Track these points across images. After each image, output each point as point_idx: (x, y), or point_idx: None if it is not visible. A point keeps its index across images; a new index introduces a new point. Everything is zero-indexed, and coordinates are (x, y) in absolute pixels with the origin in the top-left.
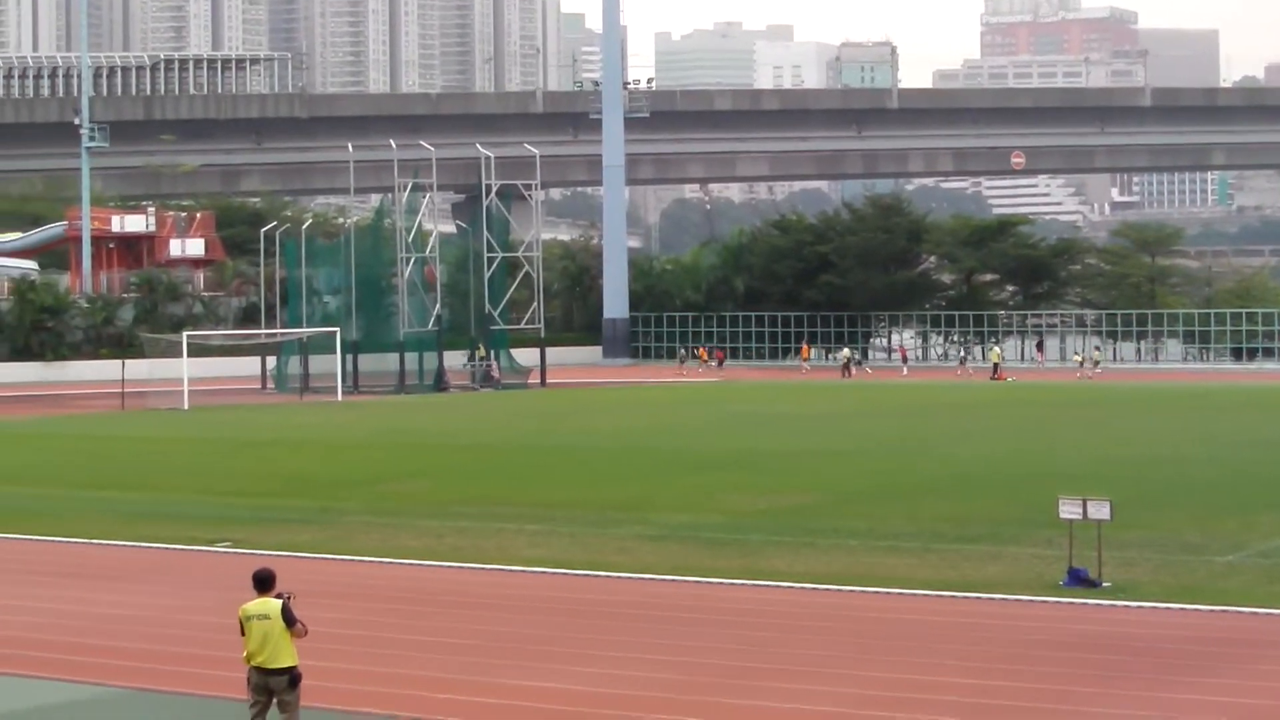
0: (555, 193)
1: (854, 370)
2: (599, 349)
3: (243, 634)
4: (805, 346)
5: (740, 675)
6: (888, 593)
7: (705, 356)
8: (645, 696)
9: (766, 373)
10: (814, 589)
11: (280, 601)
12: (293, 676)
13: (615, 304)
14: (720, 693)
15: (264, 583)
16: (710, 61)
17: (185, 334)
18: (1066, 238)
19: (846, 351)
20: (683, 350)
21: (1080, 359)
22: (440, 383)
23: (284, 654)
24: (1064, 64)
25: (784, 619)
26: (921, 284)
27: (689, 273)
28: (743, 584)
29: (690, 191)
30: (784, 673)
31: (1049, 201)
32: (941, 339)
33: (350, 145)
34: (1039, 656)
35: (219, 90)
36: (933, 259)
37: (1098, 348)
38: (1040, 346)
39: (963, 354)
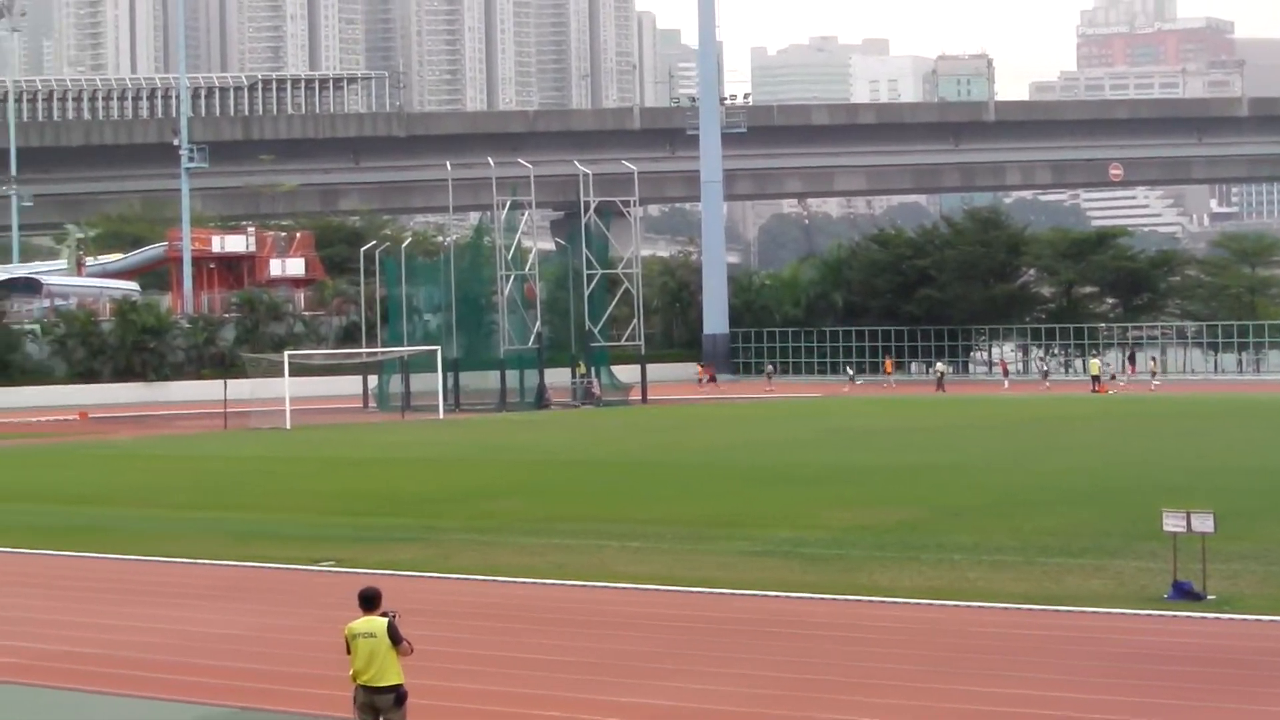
0: (654, 209)
1: (946, 385)
2: (699, 365)
3: (348, 652)
4: (889, 361)
5: (842, 690)
6: (992, 607)
7: (891, 369)
8: (746, 712)
9: (816, 387)
10: (917, 604)
11: (386, 620)
12: (399, 695)
13: (715, 320)
14: (821, 708)
15: (370, 601)
16: (806, 76)
17: (286, 353)
18: (1165, 249)
19: (941, 365)
20: (770, 366)
21: (1152, 370)
22: (541, 400)
23: (390, 672)
24: (1161, 75)
25: (887, 634)
26: (1021, 297)
27: (788, 288)
28: (845, 599)
29: (788, 206)
30: (886, 688)
31: (1148, 213)
32: (1042, 352)
33: (448, 163)
34: (1143, 670)
35: (317, 110)
36: (1032, 272)
37: (1154, 358)
38: (1132, 359)
39: (1046, 368)
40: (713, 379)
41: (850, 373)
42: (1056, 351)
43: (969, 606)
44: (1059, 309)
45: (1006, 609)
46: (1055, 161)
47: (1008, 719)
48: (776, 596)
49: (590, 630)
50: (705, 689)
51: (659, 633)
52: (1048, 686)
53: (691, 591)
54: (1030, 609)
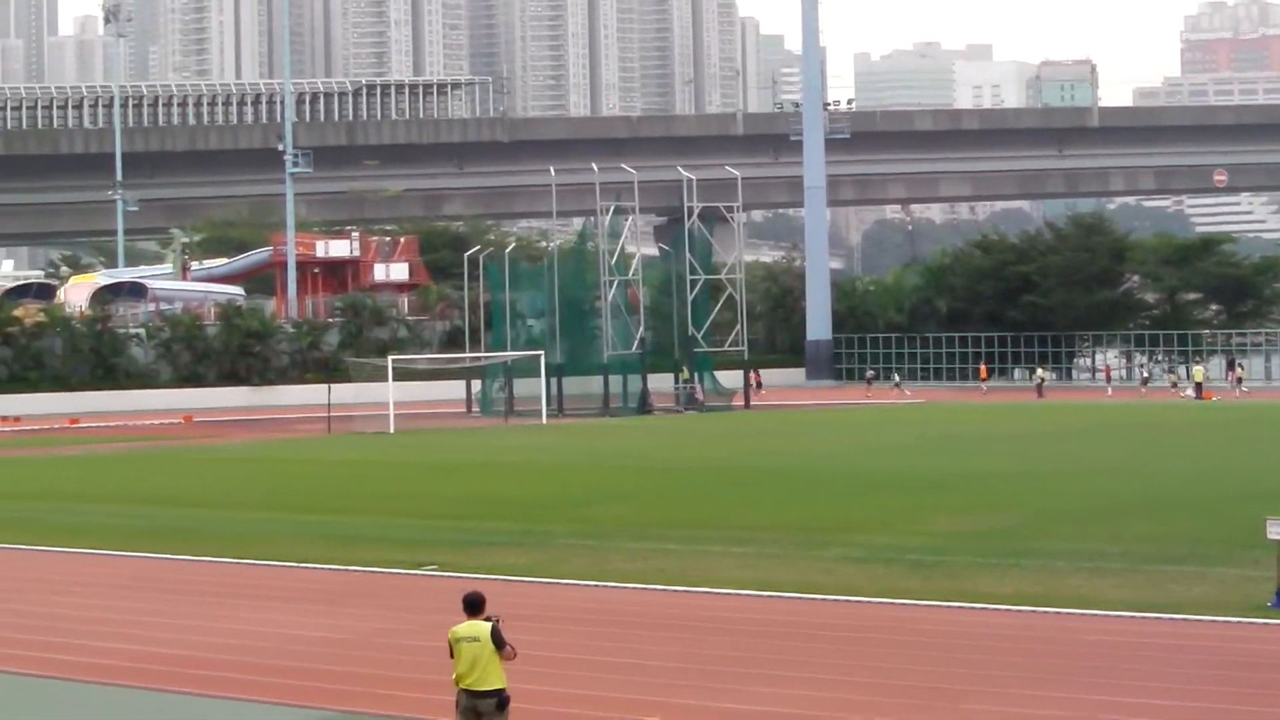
0: (757, 214)
1: (1045, 390)
2: (803, 370)
3: (452, 656)
4: (983, 367)
5: (943, 697)
6: (1092, 614)
7: (985, 375)
8: (845, 717)
9: (949, 394)
10: (1018, 611)
11: (490, 624)
12: (501, 699)
13: (818, 325)
14: (923, 714)
15: (474, 606)
16: (910, 81)
17: (390, 358)
18: (1270, 256)
19: (1042, 372)
20: (871, 372)
21: (1238, 378)
22: (644, 405)
23: (493, 676)
24: (1265, 80)
25: (988, 641)
26: (1124, 303)
27: (891, 293)
28: (948, 606)
29: (892, 212)
30: (987, 695)
31: (1252, 220)
32: (1145, 358)
33: (552, 169)
34: (1244, 678)
35: (421, 115)
36: (1135, 278)
37: (1240, 364)
38: (1232, 365)
39: (1146, 375)
40: (759, 385)
41: (869, 375)
42: (1160, 358)
43: (1070, 613)
44: (1162, 315)
45: (1108, 616)
46: (1159, 168)
47: None
48: (878, 602)
49: (693, 635)
50: (806, 695)
51: (761, 638)
52: (1151, 694)
53: (794, 597)
54: (1132, 616)
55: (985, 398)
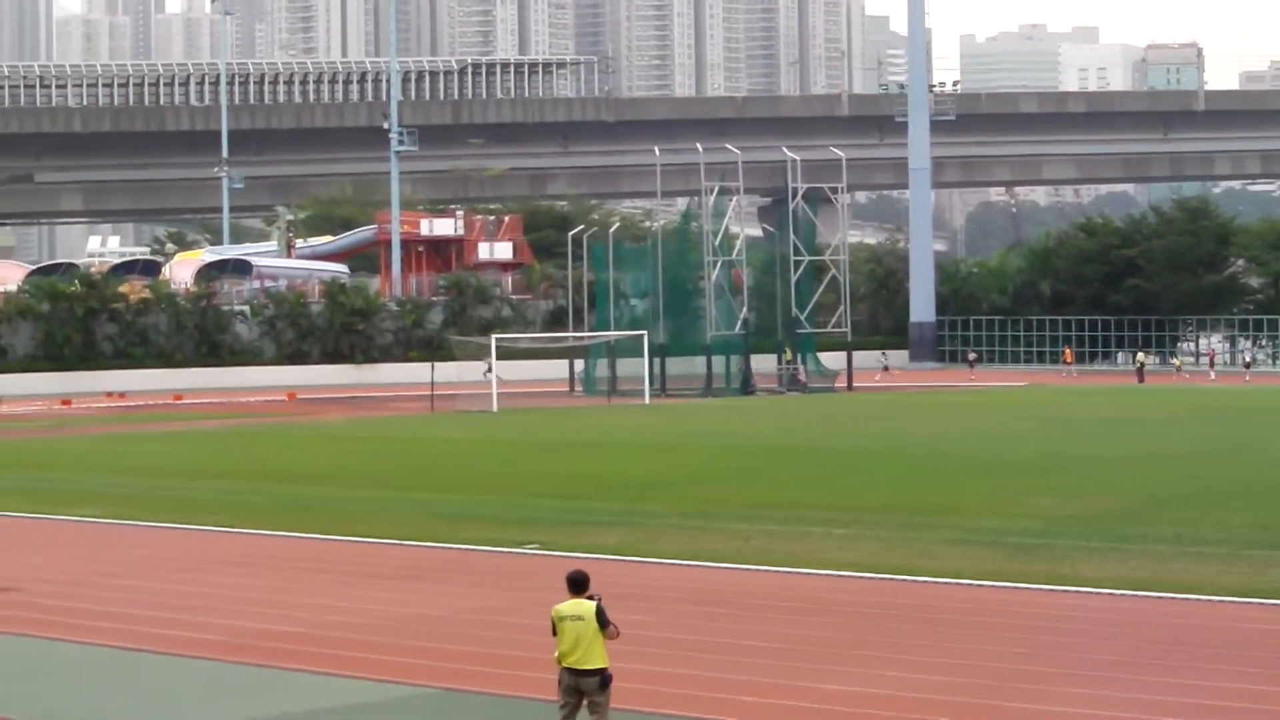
0: (861, 196)
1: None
2: (906, 352)
3: (554, 634)
4: (1067, 350)
5: (1044, 680)
6: (1195, 600)
7: (1070, 359)
8: (946, 701)
9: (1033, 376)
10: (1120, 595)
11: (594, 603)
12: (604, 678)
13: (922, 307)
14: (1023, 698)
15: (578, 584)
16: (1015, 64)
17: (494, 337)
18: None
19: (1142, 356)
20: (974, 354)
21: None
22: (747, 386)
23: (596, 655)
24: None
25: (1091, 625)
26: (1229, 288)
27: (995, 276)
28: (1049, 589)
29: (996, 194)
30: (1089, 679)
31: None
32: (1249, 343)
33: (656, 149)
34: None
35: (526, 94)
36: (1240, 262)
37: (1212, 349)
38: None
39: (1249, 360)
40: (885, 367)
41: (971, 357)
42: (1264, 343)
43: (1174, 599)
44: (1266, 300)
45: (1210, 601)
46: (1265, 151)
47: (1212, 714)
48: (980, 585)
49: (793, 616)
50: (905, 677)
51: (861, 619)
52: (1255, 680)
53: (894, 579)
54: (1236, 602)
55: (1078, 380)
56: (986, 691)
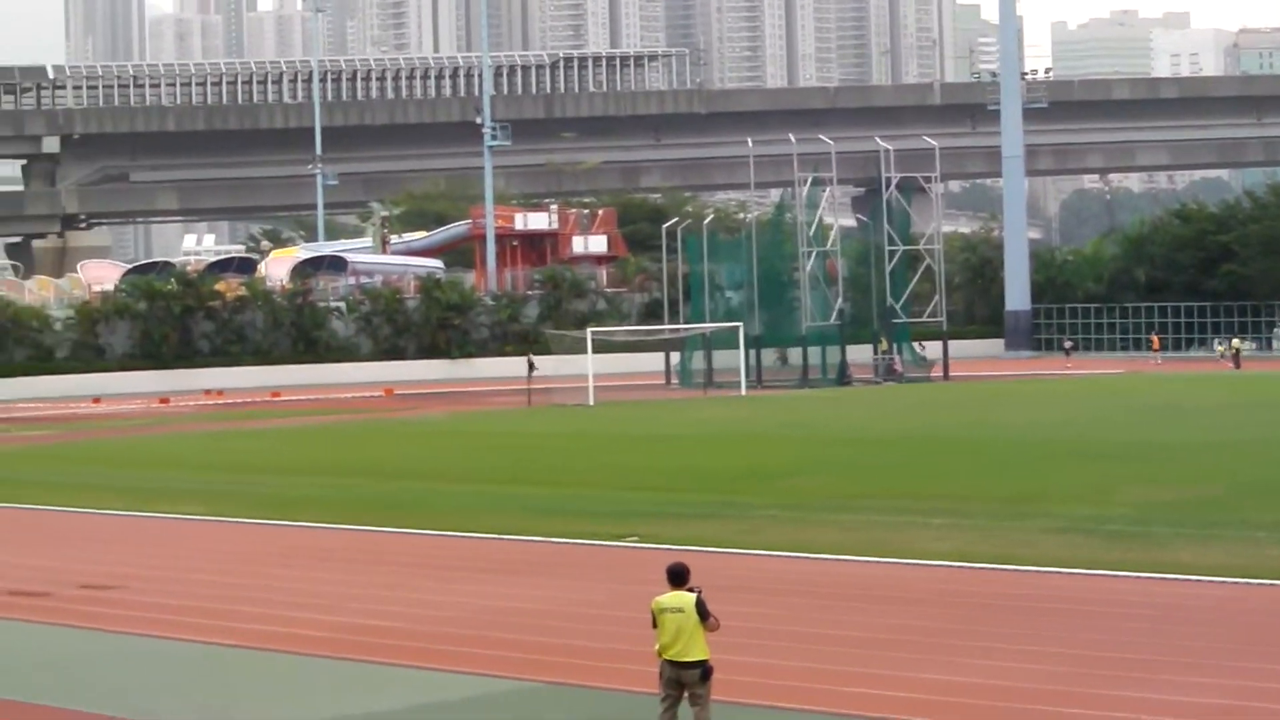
0: (955, 185)
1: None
2: (1001, 341)
3: (655, 627)
4: (1155, 337)
5: (1145, 668)
6: None
7: (1158, 345)
8: (1047, 690)
9: (1128, 364)
10: (1220, 582)
11: (694, 595)
12: (705, 670)
13: (1016, 296)
14: (1123, 686)
15: (678, 576)
16: (1107, 50)
17: (589, 330)
18: None
19: (1237, 341)
20: (1069, 342)
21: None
22: (843, 376)
23: (697, 647)
24: None
25: (1190, 612)
26: None
27: (1090, 263)
28: (1147, 577)
29: (1089, 182)
30: (1190, 666)
31: None
32: None
33: (749, 140)
34: None
35: (618, 88)
36: None
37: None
38: None
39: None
40: (1068, 351)
41: (1067, 345)
42: None
43: (1273, 585)
44: None
45: None
46: None
47: None
48: (1078, 574)
49: (892, 606)
50: (1005, 666)
51: (960, 609)
52: None
53: (993, 568)
54: None
55: (1167, 367)
56: (1087, 680)
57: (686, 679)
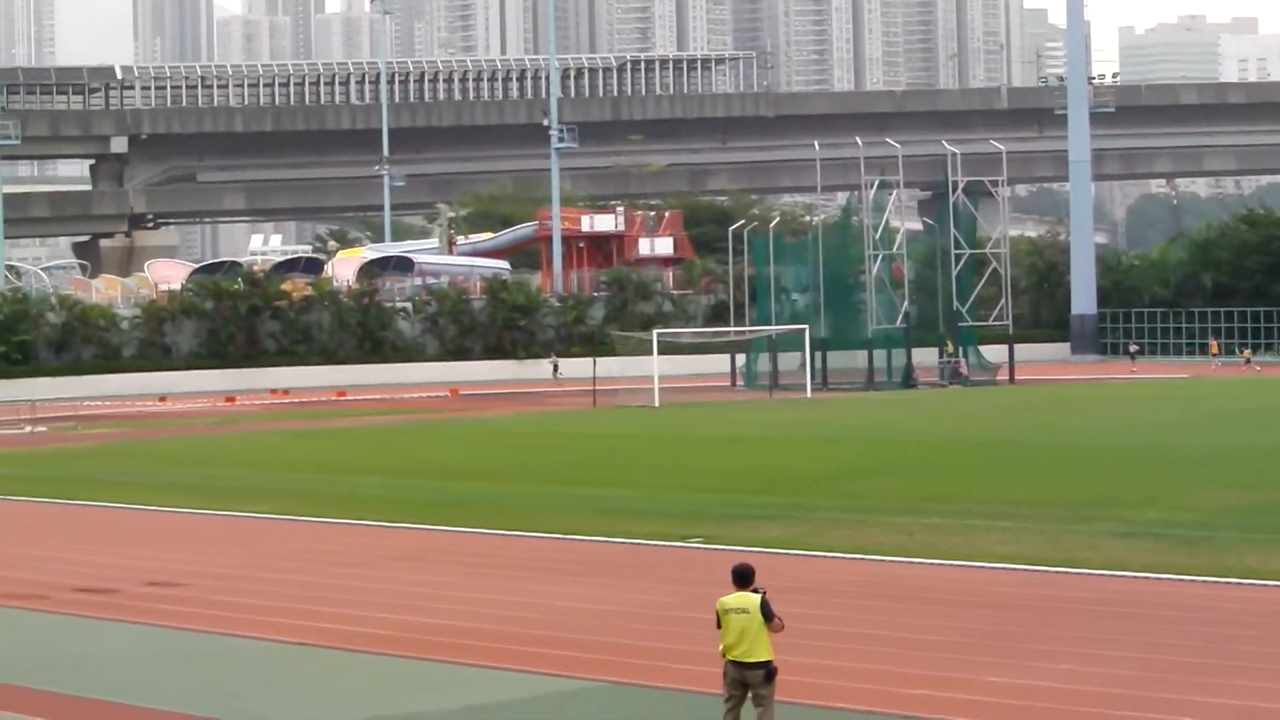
0: (1021, 189)
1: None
2: (1067, 345)
3: (719, 627)
4: (1214, 342)
5: (1212, 673)
6: None
7: (1216, 350)
8: (1113, 694)
9: (1195, 369)
10: None
11: (759, 596)
12: (769, 671)
13: (1083, 300)
14: (1190, 690)
15: (743, 577)
16: (1174, 55)
17: (655, 332)
18: None
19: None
20: (1134, 346)
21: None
22: (909, 379)
23: (761, 648)
24: None
25: (1258, 617)
26: None
27: (1156, 268)
28: (1214, 581)
29: (1157, 186)
30: (1257, 671)
31: None
32: None
33: (816, 143)
34: None
35: (685, 90)
36: None
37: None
38: None
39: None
40: (1134, 355)
41: (1132, 350)
42: None
43: None
44: None
45: None
46: None
47: None
48: (1144, 578)
49: (956, 609)
50: (1070, 669)
51: (1024, 612)
52: None
53: (1058, 572)
54: None
55: (1223, 372)
56: (1152, 684)
57: (751, 680)
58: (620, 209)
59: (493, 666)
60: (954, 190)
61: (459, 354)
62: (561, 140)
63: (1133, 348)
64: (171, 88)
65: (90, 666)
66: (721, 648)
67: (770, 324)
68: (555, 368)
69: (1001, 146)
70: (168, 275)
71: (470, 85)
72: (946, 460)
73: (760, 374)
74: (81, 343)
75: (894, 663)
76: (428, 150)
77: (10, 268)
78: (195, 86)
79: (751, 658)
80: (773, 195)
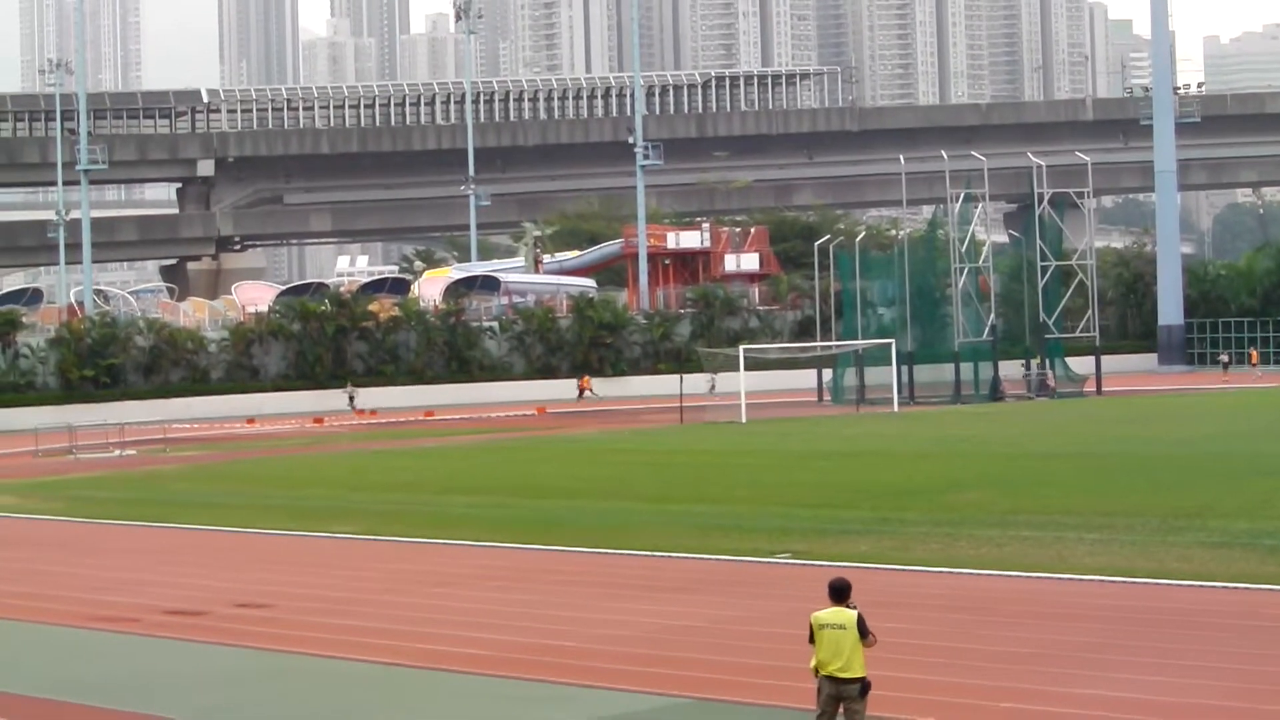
0: (1107, 200)
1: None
2: (1154, 356)
3: (812, 642)
4: (1254, 352)
5: None
6: None
7: (1256, 360)
8: (1205, 705)
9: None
10: None
11: (855, 612)
12: (864, 686)
13: (1170, 310)
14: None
15: (840, 593)
16: (1260, 64)
17: (742, 348)
18: None
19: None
20: (1225, 356)
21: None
22: (996, 392)
23: (856, 664)
24: None
25: None
26: None
27: (1243, 277)
28: None
29: (1243, 196)
30: None
31: None
32: None
33: (901, 157)
34: None
35: (770, 106)
36: None
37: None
38: None
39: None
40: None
41: (1223, 359)
42: None
43: None
44: None
45: None
46: None
47: None
48: (1236, 588)
49: (1048, 622)
50: (1163, 681)
51: (1116, 624)
52: None
53: (1150, 583)
54: None
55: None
56: (1248, 695)
57: (845, 695)
58: (706, 225)
59: (583, 684)
60: (1039, 202)
61: (546, 372)
62: (647, 157)
63: (1223, 357)
64: (257, 110)
65: (179, 689)
66: (814, 663)
67: (857, 338)
68: (351, 399)
69: (1087, 158)
70: (255, 297)
71: (555, 104)
72: (1035, 472)
73: (847, 388)
74: (170, 366)
75: (984, 676)
76: (513, 169)
77: (98, 292)
78: (281, 109)
79: (848, 673)
80: (858, 210)
